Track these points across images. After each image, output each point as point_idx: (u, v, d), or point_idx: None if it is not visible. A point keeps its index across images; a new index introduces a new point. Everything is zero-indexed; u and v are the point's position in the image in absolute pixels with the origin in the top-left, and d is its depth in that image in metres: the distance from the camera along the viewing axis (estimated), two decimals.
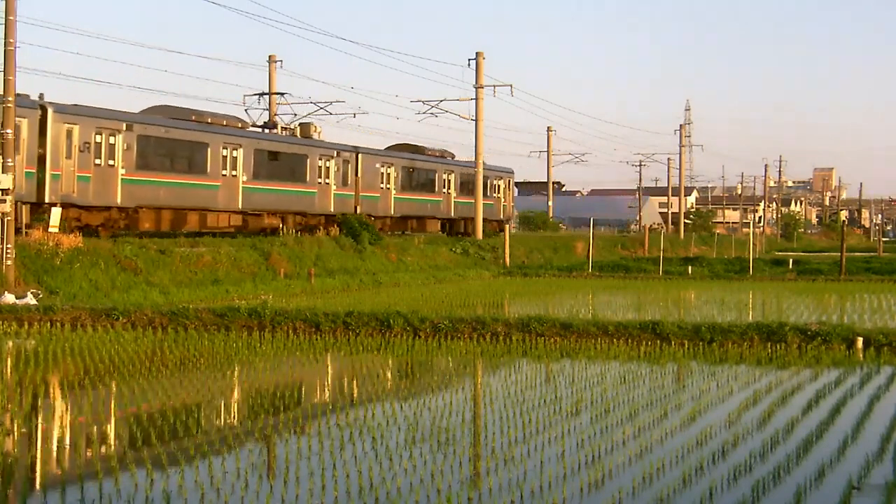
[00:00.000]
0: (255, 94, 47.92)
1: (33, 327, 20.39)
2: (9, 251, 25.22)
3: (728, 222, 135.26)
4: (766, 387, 14.32)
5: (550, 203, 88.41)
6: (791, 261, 48.70)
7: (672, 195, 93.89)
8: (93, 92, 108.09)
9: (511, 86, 53.00)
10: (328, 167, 42.72)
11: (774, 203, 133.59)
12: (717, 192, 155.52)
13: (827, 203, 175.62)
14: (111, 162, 32.01)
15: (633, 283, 38.73)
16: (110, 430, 10.95)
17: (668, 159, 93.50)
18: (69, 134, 30.63)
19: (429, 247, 45.41)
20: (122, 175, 32.38)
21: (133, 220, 33.47)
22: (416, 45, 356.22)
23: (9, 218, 25.26)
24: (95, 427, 11.12)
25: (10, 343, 18.37)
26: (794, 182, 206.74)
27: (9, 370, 15.29)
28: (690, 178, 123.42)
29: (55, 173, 30.10)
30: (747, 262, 45.87)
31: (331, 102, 51.85)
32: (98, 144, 31.48)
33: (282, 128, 44.05)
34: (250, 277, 31.95)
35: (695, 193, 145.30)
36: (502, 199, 57.64)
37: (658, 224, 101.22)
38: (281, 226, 40.02)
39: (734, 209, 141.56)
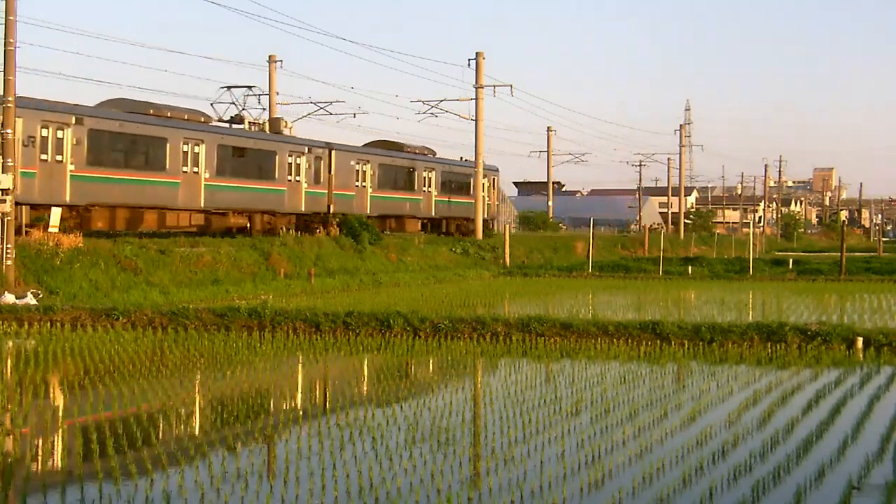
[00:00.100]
0: (224, 88, 44.46)
1: (33, 327, 20.40)
2: (9, 251, 25.21)
3: (728, 222, 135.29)
4: (766, 387, 14.32)
5: (550, 203, 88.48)
6: (791, 261, 48.72)
7: (672, 195, 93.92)
8: (93, 92, 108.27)
9: (511, 86, 53.19)
10: (299, 164, 40.66)
11: (774, 203, 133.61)
12: (717, 192, 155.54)
13: (827, 203, 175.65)
14: (59, 157, 30.13)
15: (633, 283, 38.73)
16: (110, 430, 10.93)
17: (668, 159, 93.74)
18: None
19: (429, 247, 45.43)
20: (72, 171, 30.54)
21: (84, 219, 31.79)
22: (416, 45, 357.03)
23: (9, 218, 25.26)
24: (95, 427, 11.12)
25: (10, 343, 18.38)
26: (794, 182, 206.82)
27: (9, 370, 15.30)
28: (690, 178, 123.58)
29: None
30: (747, 262, 45.89)
31: (331, 102, 52.03)
32: (45, 139, 29.61)
33: (249, 123, 41.67)
34: (250, 277, 31.97)
35: (695, 193, 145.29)
36: (486, 198, 55.71)
37: (658, 224, 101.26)
38: (248, 225, 38.72)
39: (734, 209, 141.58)
